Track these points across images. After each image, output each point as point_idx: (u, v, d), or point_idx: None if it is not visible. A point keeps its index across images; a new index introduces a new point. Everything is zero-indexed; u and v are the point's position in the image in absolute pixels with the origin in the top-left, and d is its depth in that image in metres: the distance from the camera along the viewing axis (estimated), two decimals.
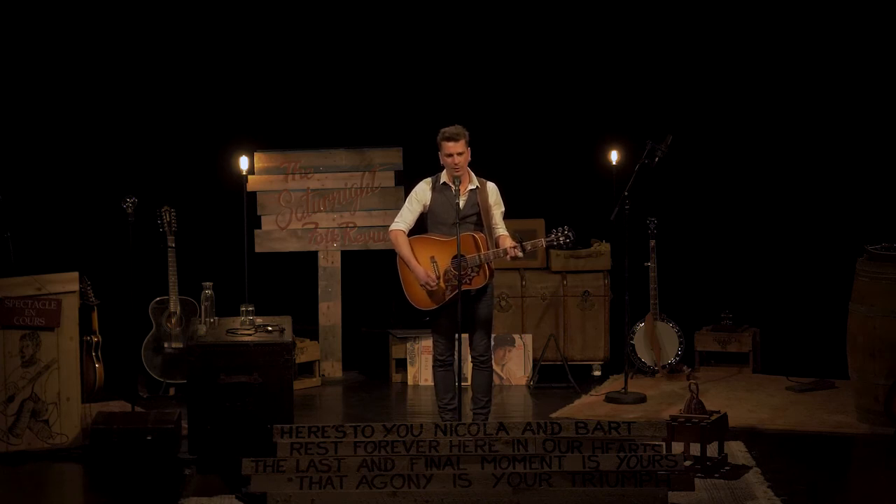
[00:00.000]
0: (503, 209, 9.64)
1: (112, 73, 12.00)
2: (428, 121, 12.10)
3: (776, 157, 12.22)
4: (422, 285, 9.48)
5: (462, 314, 9.39)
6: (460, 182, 9.44)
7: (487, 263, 9.41)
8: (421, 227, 9.68)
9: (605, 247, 11.87)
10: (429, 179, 9.62)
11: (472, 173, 9.58)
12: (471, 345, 9.62)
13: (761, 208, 12.25)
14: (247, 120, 12.07)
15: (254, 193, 11.76)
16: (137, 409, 10.19)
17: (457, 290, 9.38)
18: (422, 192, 9.60)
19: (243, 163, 11.36)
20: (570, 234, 9.44)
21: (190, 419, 9.17)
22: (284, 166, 11.83)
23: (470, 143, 9.48)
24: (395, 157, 11.87)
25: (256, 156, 11.75)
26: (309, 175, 11.85)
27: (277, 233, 11.86)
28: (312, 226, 11.87)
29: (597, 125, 12.15)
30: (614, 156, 11.74)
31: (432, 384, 9.95)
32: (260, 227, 11.83)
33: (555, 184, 12.28)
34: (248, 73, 12.14)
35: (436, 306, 9.52)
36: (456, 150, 9.40)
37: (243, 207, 11.28)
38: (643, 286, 11.51)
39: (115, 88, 12.01)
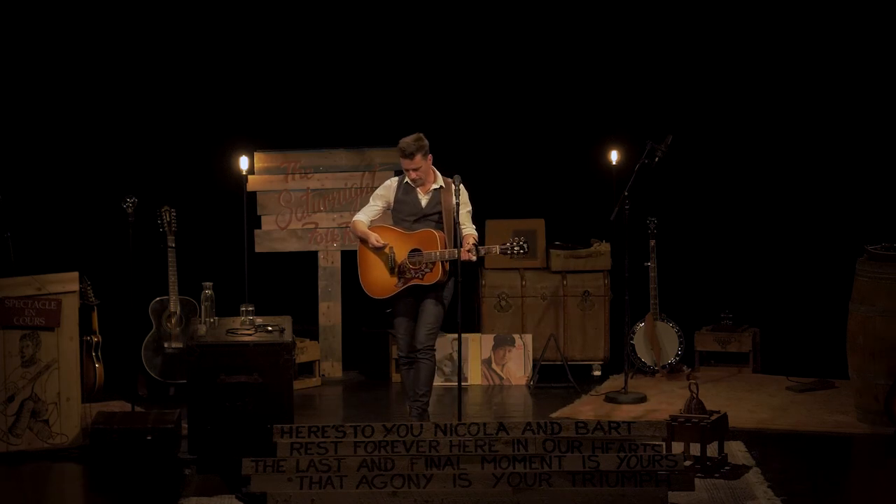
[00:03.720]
0: (470, 208, 9.87)
1: (112, 73, 12.00)
2: (428, 121, 12.11)
3: (776, 157, 12.22)
4: (370, 247, 9.69)
5: (413, 305, 9.75)
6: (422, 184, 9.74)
7: (442, 262, 9.54)
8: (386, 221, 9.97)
9: (605, 247, 11.87)
10: (395, 179, 9.92)
11: (438, 173, 9.81)
12: (415, 336, 9.75)
13: (761, 208, 12.25)
14: (247, 120, 12.06)
15: (254, 193, 11.76)
16: (137, 409, 10.19)
17: (408, 283, 9.66)
18: (387, 191, 9.88)
19: (243, 163, 11.36)
20: (525, 244, 9.67)
21: (190, 419, 9.17)
22: (284, 166, 11.83)
23: (430, 150, 9.70)
24: (395, 157, 11.81)
25: (256, 156, 11.75)
26: (309, 175, 11.85)
27: (277, 233, 11.85)
28: (312, 226, 11.87)
29: (597, 125, 12.15)
30: (614, 156, 11.75)
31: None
32: (260, 227, 11.83)
33: (555, 184, 12.28)
34: (248, 72, 12.14)
35: (384, 297, 9.77)
36: (411, 167, 9.71)
37: (243, 207, 11.28)
38: (643, 286, 11.51)
39: (114, 88, 12.01)
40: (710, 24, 12.08)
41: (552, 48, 12.26)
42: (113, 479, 9.15)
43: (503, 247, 9.69)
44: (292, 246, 11.88)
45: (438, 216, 9.72)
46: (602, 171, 11.88)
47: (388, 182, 9.94)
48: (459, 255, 9.57)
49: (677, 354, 11.58)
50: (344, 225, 11.85)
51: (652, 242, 11.47)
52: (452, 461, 8.32)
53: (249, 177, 11.56)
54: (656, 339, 11.57)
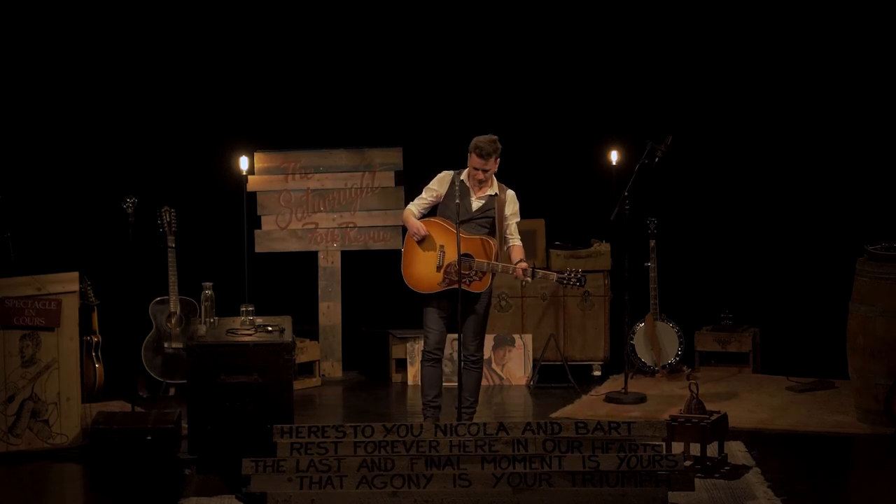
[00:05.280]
0: (519, 219, 9.70)
1: (112, 73, 12.00)
2: (428, 121, 12.14)
3: (776, 157, 12.22)
4: (412, 235, 9.56)
5: (450, 307, 9.54)
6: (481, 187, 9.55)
7: (492, 273, 9.45)
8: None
9: (605, 247, 11.88)
10: (450, 172, 9.64)
11: (495, 179, 9.63)
12: (462, 344, 9.64)
13: (761, 208, 12.25)
14: (247, 120, 12.07)
15: (254, 193, 11.77)
16: (137, 409, 10.19)
17: (451, 286, 9.46)
18: (440, 185, 9.66)
19: (243, 163, 11.37)
20: (583, 277, 9.54)
21: (190, 419, 9.17)
22: (284, 166, 11.83)
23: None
24: (395, 157, 11.87)
25: (256, 156, 11.76)
26: (309, 175, 11.85)
27: (277, 233, 11.86)
28: (312, 226, 11.87)
29: (597, 125, 12.15)
30: (614, 156, 11.75)
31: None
32: (260, 227, 11.84)
33: (555, 184, 12.28)
34: (248, 72, 12.14)
35: (424, 292, 9.60)
36: (483, 167, 9.49)
37: (243, 207, 11.28)
38: (643, 286, 11.51)
39: (114, 88, 12.02)
40: (709, 24, 12.08)
41: (552, 48, 12.26)
42: (113, 479, 9.15)
43: (560, 276, 9.56)
44: (292, 246, 11.89)
45: (486, 221, 9.56)
46: (602, 171, 11.88)
47: (442, 174, 9.65)
48: (514, 274, 9.47)
49: (677, 354, 11.58)
50: (344, 225, 11.85)
51: (652, 242, 11.47)
52: (452, 461, 8.32)
53: (249, 177, 11.56)
54: (656, 339, 11.57)
